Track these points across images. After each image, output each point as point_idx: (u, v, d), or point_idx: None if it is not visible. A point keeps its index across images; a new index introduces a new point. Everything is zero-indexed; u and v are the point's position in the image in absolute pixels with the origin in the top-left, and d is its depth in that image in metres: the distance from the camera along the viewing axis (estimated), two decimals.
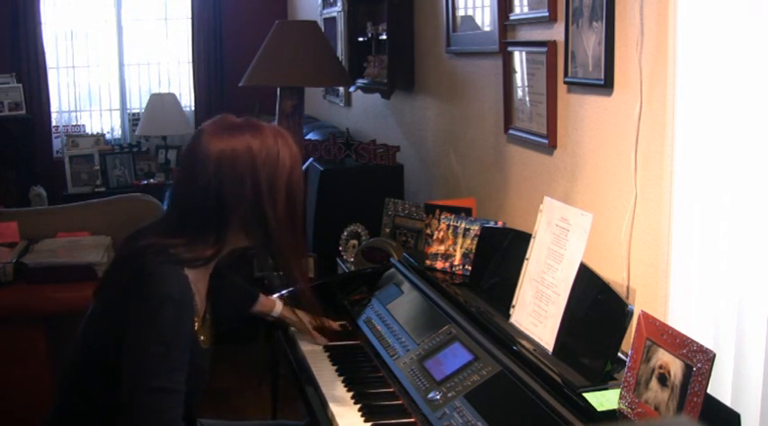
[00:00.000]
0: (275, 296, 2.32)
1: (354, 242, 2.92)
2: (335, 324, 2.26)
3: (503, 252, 2.08)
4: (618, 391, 1.51)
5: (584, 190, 2.11)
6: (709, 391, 1.33)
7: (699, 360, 1.32)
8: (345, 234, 2.95)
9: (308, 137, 3.74)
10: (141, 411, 1.55)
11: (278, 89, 3.43)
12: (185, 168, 1.71)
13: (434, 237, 2.33)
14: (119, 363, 1.61)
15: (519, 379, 1.66)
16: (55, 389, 1.82)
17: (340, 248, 2.95)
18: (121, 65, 6.50)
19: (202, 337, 1.76)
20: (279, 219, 1.67)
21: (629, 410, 1.46)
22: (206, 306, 1.79)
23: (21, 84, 5.91)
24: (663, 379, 1.39)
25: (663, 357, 1.40)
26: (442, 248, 2.31)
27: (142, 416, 1.54)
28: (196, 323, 1.71)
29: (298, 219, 1.73)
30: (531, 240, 1.91)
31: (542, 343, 1.77)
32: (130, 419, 1.56)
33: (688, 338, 1.36)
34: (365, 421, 1.76)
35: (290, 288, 2.47)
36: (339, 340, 2.21)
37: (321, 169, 3.24)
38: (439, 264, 2.30)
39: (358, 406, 1.82)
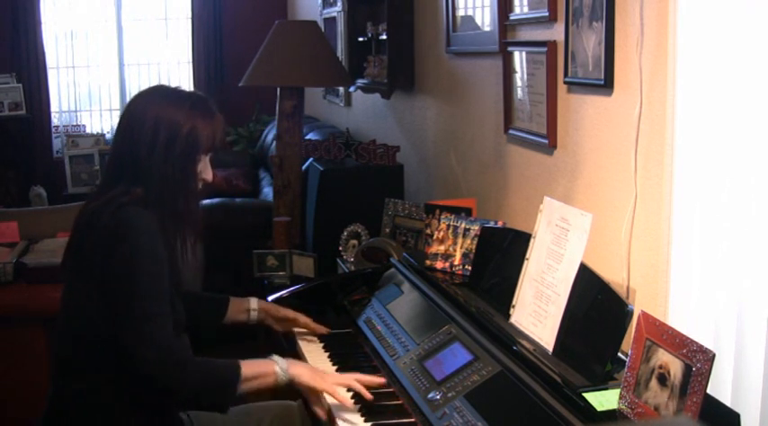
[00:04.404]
0: (273, 297, 2.33)
1: (354, 242, 2.92)
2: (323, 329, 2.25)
3: (503, 252, 2.08)
4: (618, 391, 1.51)
5: (585, 190, 2.11)
6: (709, 391, 1.33)
7: (699, 360, 1.32)
8: (345, 234, 2.95)
9: (307, 137, 3.74)
10: (139, 338, 1.69)
11: (278, 89, 3.43)
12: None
13: (434, 237, 2.33)
14: (103, 328, 1.72)
15: (519, 379, 1.65)
16: (49, 379, 1.86)
17: (340, 248, 2.94)
18: (121, 65, 6.50)
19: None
20: (164, 174, 1.80)
21: (629, 410, 1.46)
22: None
23: (21, 84, 5.91)
24: (663, 379, 1.39)
25: (663, 357, 1.40)
26: (441, 248, 2.30)
27: (141, 343, 1.68)
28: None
29: (187, 185, 1.85)
30: (531, 240, 1.91)
31: (542, 343, 1.77)
32: (131, 349, 1.69)
33: (688, 338, 1.36)
34: (365, 420, 1.76)
35: (290, 289, 2.47)
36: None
37: (321, 169, 3.24)
38: (439, 264, 2.30)
39: (358, 406, 1.81)
